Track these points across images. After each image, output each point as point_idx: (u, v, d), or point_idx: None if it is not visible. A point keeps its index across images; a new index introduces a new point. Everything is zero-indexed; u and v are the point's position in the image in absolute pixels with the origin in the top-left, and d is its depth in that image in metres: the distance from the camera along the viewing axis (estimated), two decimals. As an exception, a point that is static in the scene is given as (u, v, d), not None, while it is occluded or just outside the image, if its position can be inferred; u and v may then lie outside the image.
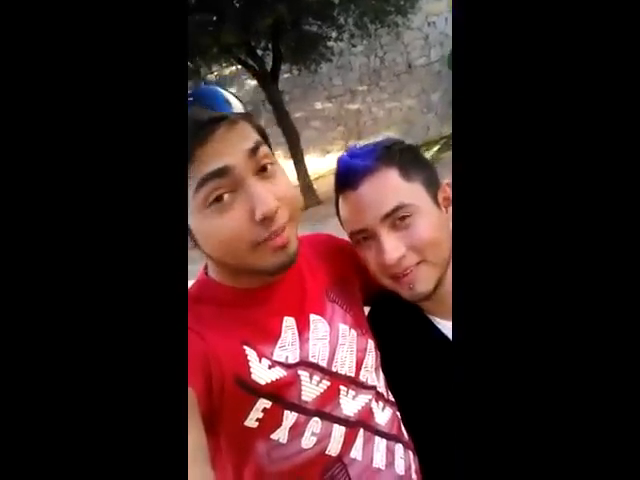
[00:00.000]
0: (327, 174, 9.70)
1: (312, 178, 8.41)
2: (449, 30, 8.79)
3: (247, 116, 0.64)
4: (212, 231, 0.61)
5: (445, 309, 0.80)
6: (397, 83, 9.64)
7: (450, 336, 0.81)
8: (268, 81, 7.66)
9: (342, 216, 0.82)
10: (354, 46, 8.68)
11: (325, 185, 8.15)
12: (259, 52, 7.58)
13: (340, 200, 0.81)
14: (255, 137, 0.63)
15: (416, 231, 0.75)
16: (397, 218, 0.75)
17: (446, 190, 0.79)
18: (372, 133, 10.01)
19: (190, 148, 0.56)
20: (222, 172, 0.58)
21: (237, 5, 6.33)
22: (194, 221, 0.61)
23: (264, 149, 0.63)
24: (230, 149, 0.59)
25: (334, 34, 7.91)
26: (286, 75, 9.00)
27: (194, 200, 0.59)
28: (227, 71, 10.21)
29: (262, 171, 0.62)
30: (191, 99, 0.61)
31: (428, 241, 0.75)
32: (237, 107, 0.64)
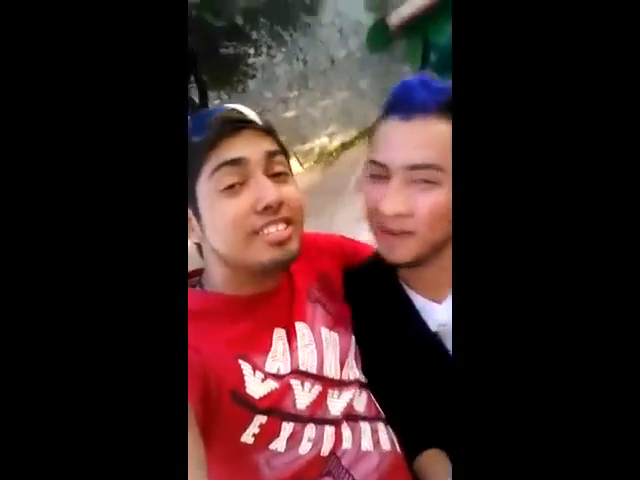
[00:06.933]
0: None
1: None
2: (361, 17, 8.91)
3: (272, 131, 0.71)
4: (216, 215, 0.64)
5: (422, 286, 0.77)
6: (325, 80, 9.70)
7: (419, 309, 0.77)
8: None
9: (373, 140, 0.72)
10: (274, 56, 8.72)
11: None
12: (183, 86, 7.53)
13: (382, 123, 0.70)
14: (276, 147, 0.70)
15: (427, 202, 0.66)
16: (420, 177, 0.65)
17: None
18: (315, 134, 10.06)
19: (215, 139, 0.62)
20: (236, 161, 0.64)
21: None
22: (203, 205, 0.65)
23: (282, 158, 0.69)
24: (250, 146, 0.65)
25: (252, 51, 7.94)
26: (216, 101, 8.95)
27: (207, 184, 0.64)
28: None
29: (275, 175, 0.67)
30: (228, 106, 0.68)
31: (431, 218, 0.67)
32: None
